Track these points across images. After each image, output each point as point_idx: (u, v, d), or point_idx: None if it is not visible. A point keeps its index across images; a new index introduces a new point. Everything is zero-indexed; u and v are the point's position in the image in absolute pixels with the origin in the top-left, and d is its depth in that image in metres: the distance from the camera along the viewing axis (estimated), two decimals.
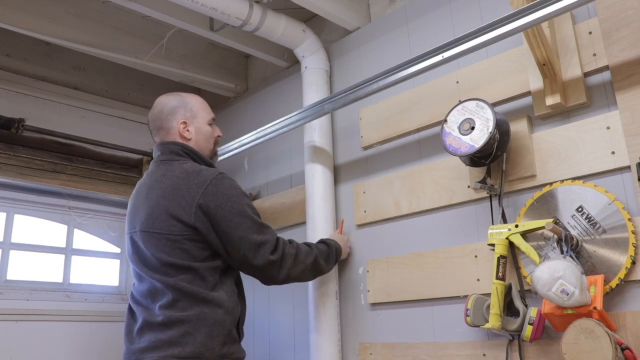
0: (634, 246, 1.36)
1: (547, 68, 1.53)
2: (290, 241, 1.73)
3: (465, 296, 1.64)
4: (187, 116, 1.73)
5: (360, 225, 2.08)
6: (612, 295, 1.40)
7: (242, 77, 2.94)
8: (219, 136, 1.82)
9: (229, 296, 1.58)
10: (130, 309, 1.64)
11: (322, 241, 1.91)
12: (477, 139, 1.53)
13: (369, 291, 1.98)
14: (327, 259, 1.83)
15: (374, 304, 1.97)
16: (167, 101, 1.75)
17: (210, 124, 1.78)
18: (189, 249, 1.55)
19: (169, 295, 1.53)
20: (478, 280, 1.66)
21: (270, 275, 1.64)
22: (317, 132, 2.18)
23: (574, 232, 1.46)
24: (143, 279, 1.61)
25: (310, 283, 2.04)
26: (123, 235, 2.89)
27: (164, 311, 1.52)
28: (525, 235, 1.52)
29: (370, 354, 1.93)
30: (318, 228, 2.07)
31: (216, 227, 1.56)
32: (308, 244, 1.80)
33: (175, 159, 1.67)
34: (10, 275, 2.52)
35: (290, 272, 1.66)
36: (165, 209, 1.57)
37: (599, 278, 1.36)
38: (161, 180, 1.63)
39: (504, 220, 1.62)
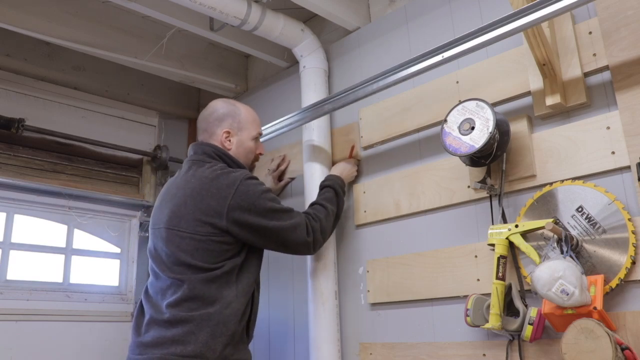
0: (634, 246, 1.36)
1: (547, 68, 1.53)
2: (309, 213, 1.79)
3: (465, 296, 1.64)
4: (233, 127, 1.77)
5: (360, 225, 2.08)
6: (612, 295, 1.40)
7: (242, 77, 2.94)
8: (260, 153, 1.86)
9: (240, 296, 1.60)
10: (141, 303, 1.67)
11: (323, 185, 1.94)
12: (477, 139, 1.53)
13: (369, 291, 1.97)
14: (337, 203, 1.90)
15: (374, 304, 1.97)
16: (219, 107, 1.80)
17: (254, 139, 1.81)
18: (212, 249, 1.58)
19: (178, 294, 1.55)
20: (478, 280, 1.66)
21: (307, 251, 1.76)
22: (315, 132, 2.18)
23: (574, 232, 1.46)
24: (158, 275, 1.64)
25: (310, 283, 2.04)
26: (123, 235, 2.92)
27: (170, 309, 1.55)
28: (525, 235, 1.52)
29: (370, 354, 1.93)
30: None
31: (252, 224, 1.61)
32: (320, 204, 1.85)
33: (207, 160, 1.71)
34: (10, 275, 2.52)
35: (323, 240, 1.79)
36: (192, 209, 1.60)
37: (599, 278, 1.36)
38: (190, 180, 1.66)
39: (504, 220, 1.62)
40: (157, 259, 1.66)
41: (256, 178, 1.69)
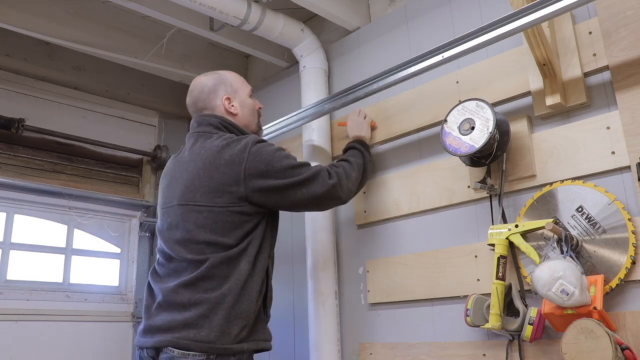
0: (634, 246, 1.36)
1: (547, 68, 1.53)
2: (331, 164, 1.75)
3: (465, 296, 1.64)
4: (229, 92, 1.72)
5: (360, 225, 2.08)
6: (612, 295, 1.40)
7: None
8: (260, 108, 1.82)
9: (256, 275, 1.53)
10: (149, 286, 1.59)
11: (345, 148, 1.93)
12: (477, 139, 1.53)
13: (369, 291, 1.97)
14: (363, 156, 1.86)
15: (373, 304, 1.97)
16: (205, 81, 1.74)
17: (250, 96, 1.78)
18: (232, 220, 1.51)
19: (192, 274, 1.47)
20: (478, 280, 1.66)
21: (336, 196, 1.65)
22: (315, 132, 2.18)
23: (574, 232, 1.46)
24: (169, 255, 1.56)
25: (310, 282, 2.04)
26: (123, 235, 2.92)
27: (182, 290, 1.47)
28: (525, 235, 1.52)
29: (370, 354, 1.93)
30: (318, 227, 2.07)
31: (272, 186, 1.54)
32: (342, 159, 1.82)
33: (213, 132, 1.64)
34: (10, 275, 2.52)
35: (349, 186, 1.70)
36: (207, 180, 1.53)
37: (599, 278, 1.36)
38: (200, 152, 1.59)
39: (504, 220, 1.62)
40: (169, 239, 1.58)
41: (265, 140, 1.64)
